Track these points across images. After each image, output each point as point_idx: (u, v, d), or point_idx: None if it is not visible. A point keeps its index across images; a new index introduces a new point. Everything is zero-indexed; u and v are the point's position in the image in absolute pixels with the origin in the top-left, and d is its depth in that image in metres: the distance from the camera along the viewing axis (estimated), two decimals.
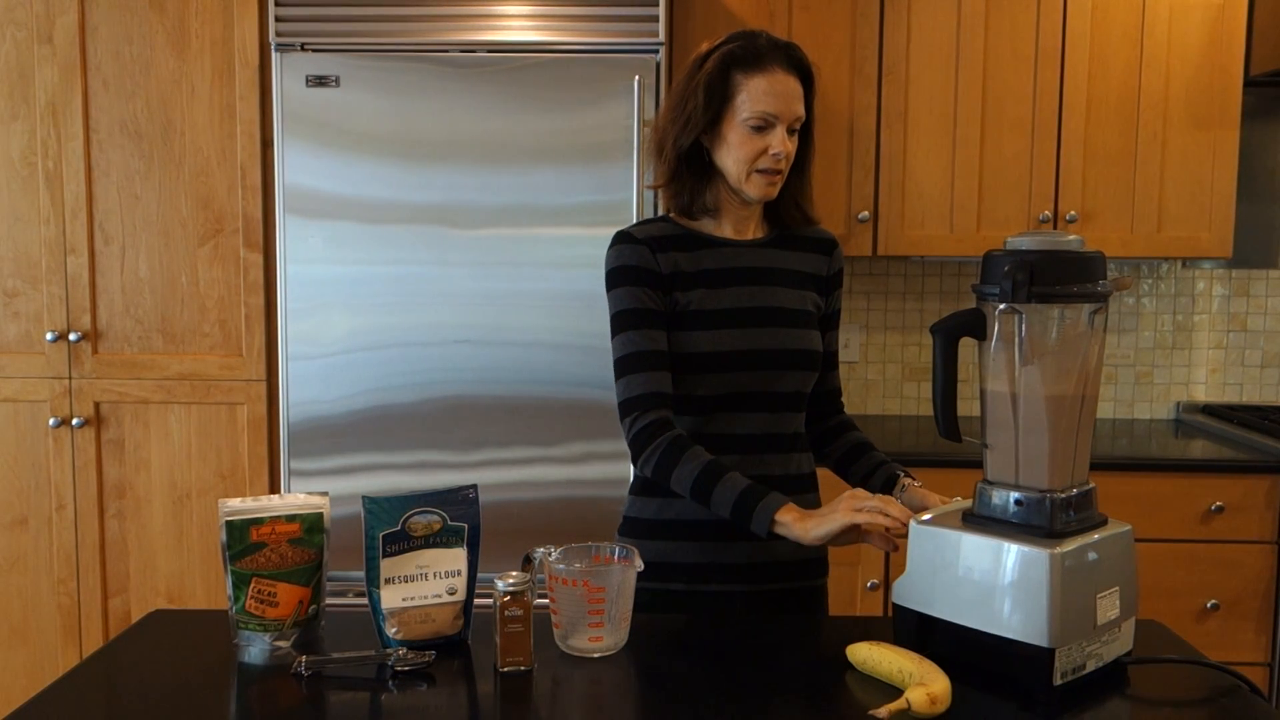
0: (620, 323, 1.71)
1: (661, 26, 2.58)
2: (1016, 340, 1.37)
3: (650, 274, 1.70)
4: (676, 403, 1.71)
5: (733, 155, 1.69)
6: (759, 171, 1.68)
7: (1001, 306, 1.36)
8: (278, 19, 2.60)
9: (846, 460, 1.86)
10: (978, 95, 2.92)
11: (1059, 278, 1.33)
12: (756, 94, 1.66)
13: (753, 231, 1.79)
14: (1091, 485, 1.41)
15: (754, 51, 1.68)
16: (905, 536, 1.46)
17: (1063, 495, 1.37)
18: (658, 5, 2.57)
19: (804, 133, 1.75)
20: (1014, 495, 1.39)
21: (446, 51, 2.61)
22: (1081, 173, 2.92)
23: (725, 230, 1.77)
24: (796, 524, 1.55)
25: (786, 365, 1.73)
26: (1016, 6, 2.89)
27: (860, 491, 1.55)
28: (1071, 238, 1.37)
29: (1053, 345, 1.37)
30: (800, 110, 1.69)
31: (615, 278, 1.72)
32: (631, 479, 1.83)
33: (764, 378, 1.71)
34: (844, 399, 1.95)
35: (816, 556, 1.81)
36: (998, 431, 1.41)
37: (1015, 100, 2.91)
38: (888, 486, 1.76)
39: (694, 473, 1.62)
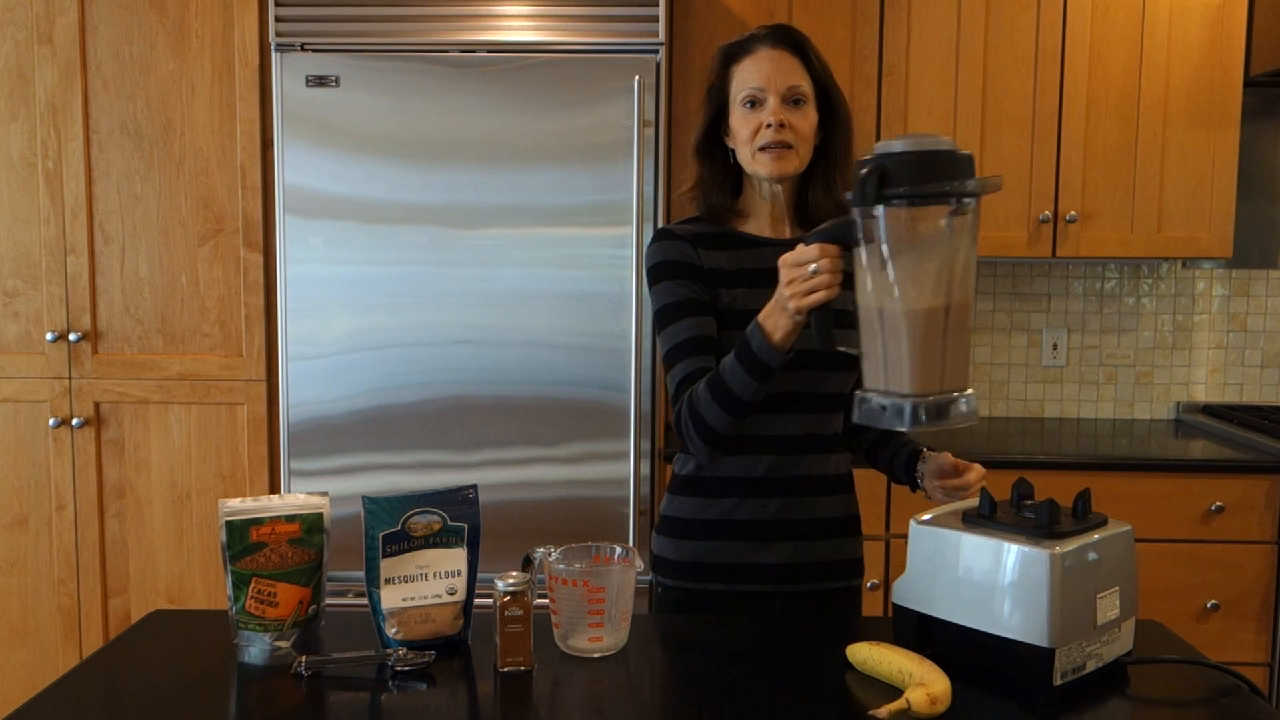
0: (666, 317, 1.70)
1: (661, 26, 2.58)
2: (876, 244, 1.35)
3: (694, 268, 1.70)
4: None
5: (739, 140, 1.70)
6: (761, 149, 1.67)
7: (856, 211, 1.35)
8: (278, 19, 2.60)
9: (876, 446, 1.85)
10: (978, 95, 2.92)
11: (912, 179, 1.31)
12: (744, 75, 1.69)
13: (789, 230, 1.77)
14: (961, 394, 1.37)
15: (741, 41, 1.72)
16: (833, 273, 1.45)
17: (926, 400, 1.34)
18: (658, 5, 2.57)
19: (830, 117, 1.72)
20: (881, 401, 1.36)
21: (446, 51, 2.61)
22: (1081, 173, 2.92)
23: (761, 229, 1.76)
24: (782, 338, 1.53)
25: (830, 366, 1.71)
26: (1016, 6, 2.89)
27: (790, 263, 1.48)
28: (944, 139, 1.34)
29: (909, 249, 1.33)
30: (793, 80, 1.67)
31: (658, 273, 1.72)
32: (670, 477, 1.83)
33: (807, 379, 1.70)
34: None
35: (855, 558, 1.82)
36: (868, 338, 1.39)
37: (1015, 100, 2.91)
38: (911, 461, 1.76)
39: (706, 391, 1.60)
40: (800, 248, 1.46)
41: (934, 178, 1.31)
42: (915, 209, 1.32)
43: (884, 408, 1.37)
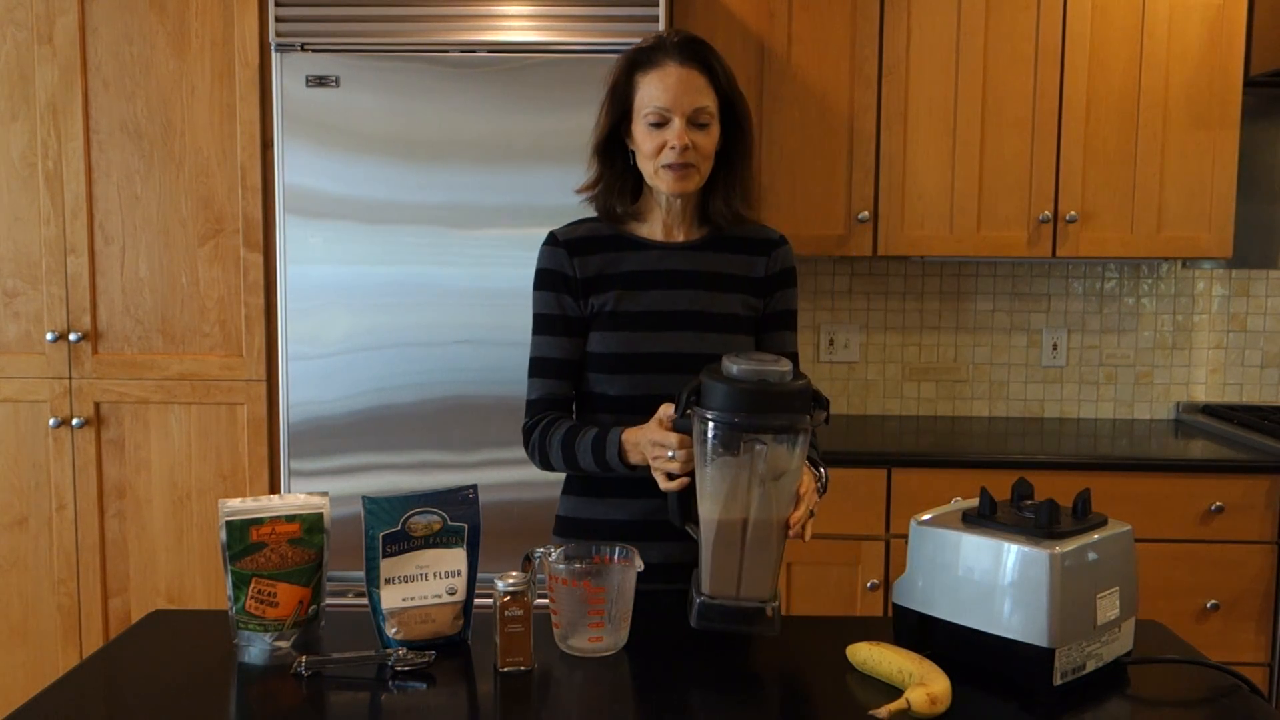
0: (533, 325, 1.78)
1: (661, 26, 2.57)
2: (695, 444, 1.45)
3: (561, 279, 1.75)
4: (595, 402, 1.75)
5: (641, 153, 1.70)
6: (664, 167, 1.68)
7: (680, 414, 1.46)
8: (278, 19, 2.60)
9: None
10: (978, 95, 2.91)
11: (717, 405, 1.40)
12: (650, 91, 1.68)
13: (685, 234, 1.78)
14: (761, 603, 1.44)
15: (649, 50, 1.70)
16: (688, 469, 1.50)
17: (714, 602, 1.44)
18: (658, 5, 2.57)
19: (733, 127, 1.73)
20: (691, 593, 1.48)
21: (446, 51, 2.61)
22: (1081, 173, 2.92)
23: (654, 233, 1.78)
24: (636, 465, 1.61)
25: (699, 370, 1.66)
26: (1016, 6, 2.89)
27: (654, 442, 1.53)
28: (779, 370, 1.41)
29: (710, 462, 1.42)
30: (700, 101, 1.67)
31: (535, 279, 1.78)
32: (565, 478, 1.86)
33: (676, 381, 1.65)
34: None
35: None
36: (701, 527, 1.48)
37: (1015, 100, 2.91)
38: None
39: (559, 447, 1.70)
40: (665, 430, 1.51)
41: (740, 408, 1.40)
42: (716, 431, 1.41)
43: (690, 598, 1.48)
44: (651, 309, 1.73)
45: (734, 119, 1.73)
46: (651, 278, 1.74)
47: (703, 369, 1.46)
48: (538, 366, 1.77)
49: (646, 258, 1.75)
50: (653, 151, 1.68)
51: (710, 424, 1.41)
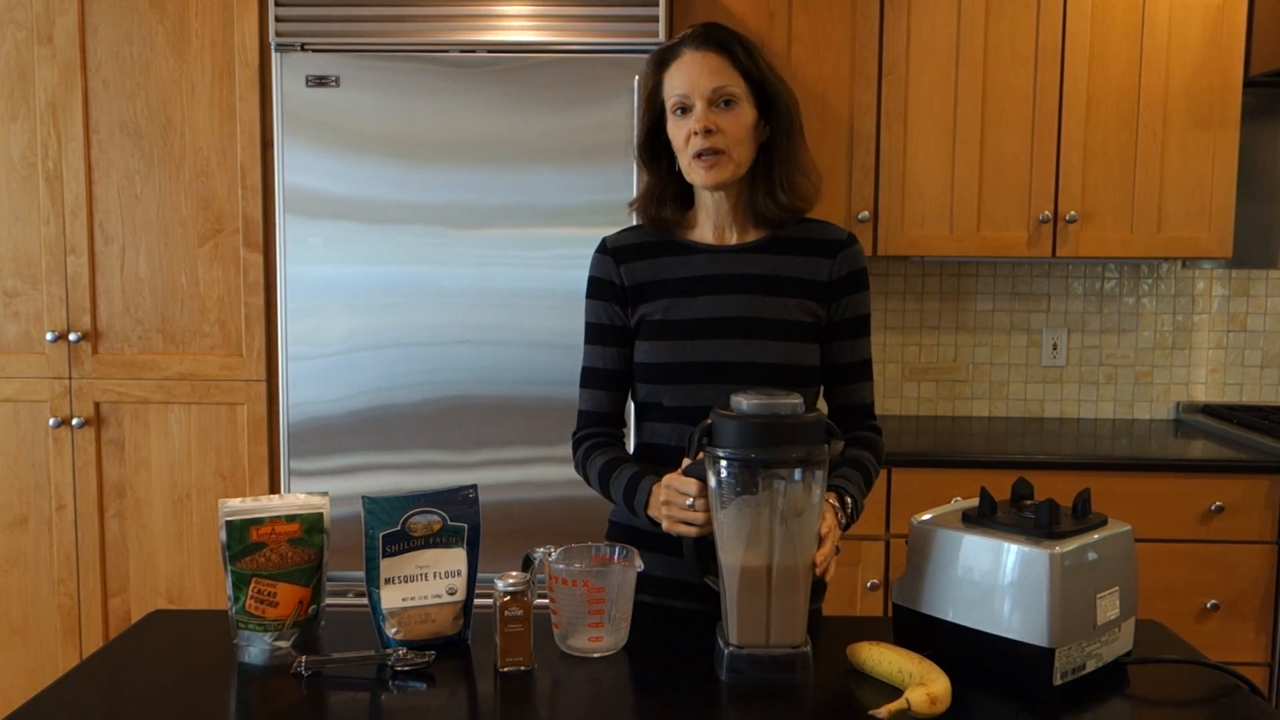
0: (585, 334, 1.76)
1: (661, 26, 2.58)
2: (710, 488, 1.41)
3: (609, 287, 1.71)
4: (651, 412, 1.71)
5: (676, 148, 1.66)
6: (694, 158, 1.62)
7: (691, 459, 1.43)
8: (278, 19, 2.60)
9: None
10: (978, 95, 2.92)
11: (730, 442, 1.37)
12: (672, 82, 1.65)
13: (738, 236, 1.71)
14: (792, 649, 1.38)
15: (670, 45, 1.68)
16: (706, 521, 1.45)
17: (741, 652, 1.38)
18: (658, 5, 2.58)
19: (772, 116, 1.67)
20: (720, 644, 1.42)
21: (446, 51, 2.61)
22: (1081, 173, 2.92)
23: (705, 236, 1.72)
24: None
25: (759, 378, 1.64)
26: (1016, 6, 2.89)
27: (672, 488, 1.49)
28: (790, 404, 1.38)
29: (727, 504, 1.38)
30: (718, 81, 1.61)
31: (587, 287, 1.75)
32: None
33: (732, 391, 1.64)
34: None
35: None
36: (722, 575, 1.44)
37: (1015, 100, 2.91)
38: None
39: (597, 480, 1.69)
40: (683, 476, 1.47)
41: (754, 443, 1.36)
42: (731, 469, 1.37)
43: (718, 650, 1.42)
44: (702, 316, 1.66)
45: (770, 103, 1.66)
46: (701, 283, 1.68)
47: (711, 410, 1.42)
48: (585, 376, 1.75)
49: (696, 262, 1.69)
50: (682, 143, 1.63)
51: (724, 463, 1.36)
